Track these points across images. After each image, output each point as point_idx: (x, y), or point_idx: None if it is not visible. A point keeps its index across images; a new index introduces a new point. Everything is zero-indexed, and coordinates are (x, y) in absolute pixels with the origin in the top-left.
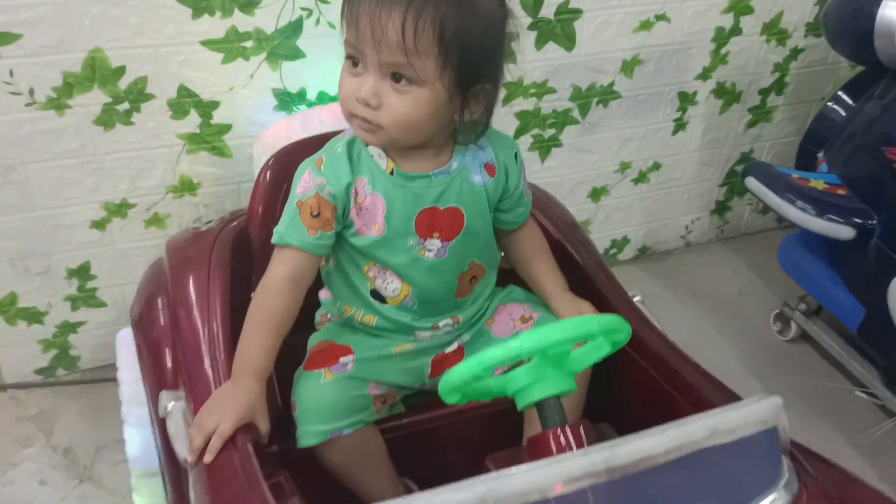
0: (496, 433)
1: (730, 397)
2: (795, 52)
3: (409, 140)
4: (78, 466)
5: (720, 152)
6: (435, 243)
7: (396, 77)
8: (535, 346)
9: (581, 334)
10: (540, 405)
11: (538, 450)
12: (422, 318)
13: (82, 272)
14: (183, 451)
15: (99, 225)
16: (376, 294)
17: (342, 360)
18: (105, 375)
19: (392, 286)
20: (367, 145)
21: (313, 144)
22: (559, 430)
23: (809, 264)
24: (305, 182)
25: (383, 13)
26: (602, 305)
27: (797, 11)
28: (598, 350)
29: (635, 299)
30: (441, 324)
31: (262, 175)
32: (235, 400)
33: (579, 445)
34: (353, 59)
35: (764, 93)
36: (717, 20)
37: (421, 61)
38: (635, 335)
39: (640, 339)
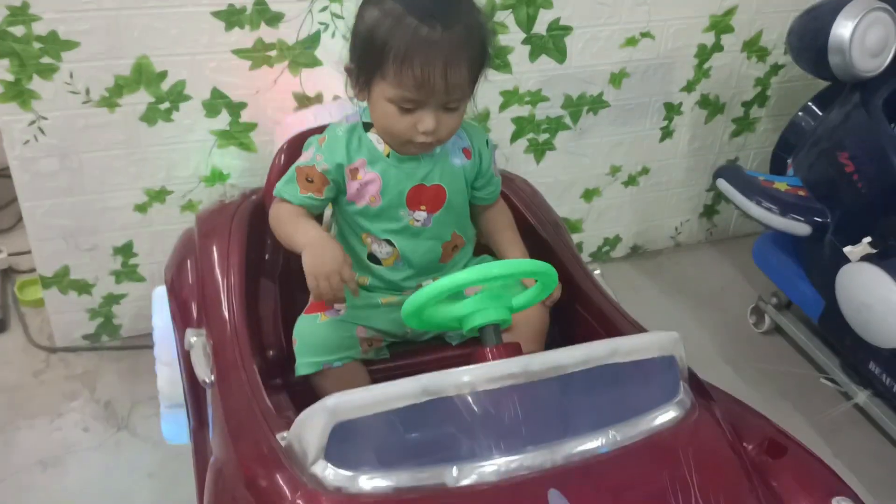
0: None
1: None
2: (776, 68)
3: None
4: (116, 418)
5: (706, 159)
6: (422, 214)
7: (450, 106)
8: (477, 279)
9: (515, 272)
10: (481, 329)
11: (475, 360)
12: (409, 279)
13: (125, 250)
14: (202, 374)
15: (141, 208)
16: (372, 257)
17: (336, 306)
18: (142, 343)
19: (385, 250)
20: (366, 132)
21: (318, 133)
22: (494, 348)
23: (779, 260)
24: (308, 154)
25: (445, 72)
26: (563, 276)
27: (776, 31)
28: (535, 293)
29: (595, 273)
30: (424, 283)
31: (278, 157)
32: (332, 250)
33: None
34: (405, 108)
35: (747, 105)
36: (699, 38)
37: (467, 88)
38: (584, 295)
39: (590, 299)
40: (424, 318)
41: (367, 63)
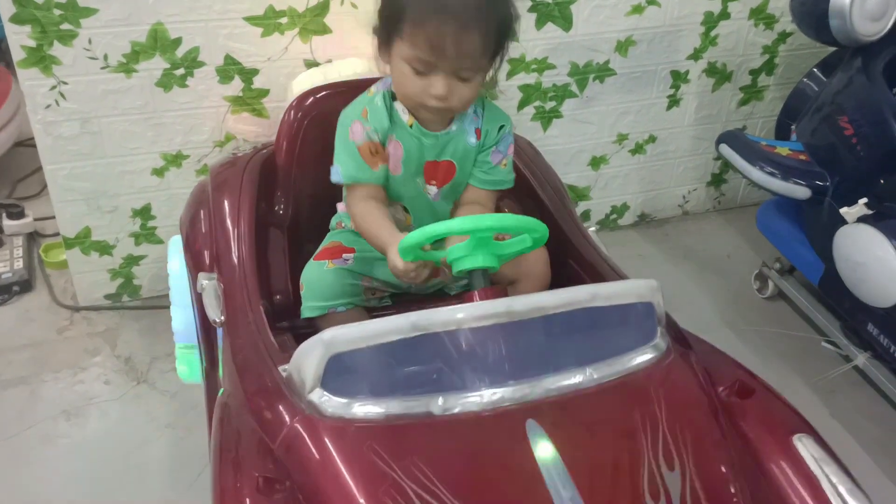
0: None
1: None
2: (784, 36)
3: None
4: (136, 372)
5: (714, 127)
6: (433, 189)
7: (463, 76)
8: (468, 228)
9: (508, 226)
10: (470, 273)
11: (464, 301)
12: None
13: (144, 212)
14: (213, 314)
15: (158, 172)
16: None
17: (344, 255)
18: (161, 303)
19: (398, 216)
20: (393, 101)
21: (330, 90)
22: (481, 291)
23: (781, 226)
24: (357, 131)
25: (458, 36)
26: (558, 233)
27: None
28: (522, 243)
29: (590, 230)
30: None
31: (287, 114)
32: None
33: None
34: (418, 69)
35: (754, 73)
36: (706, 5)
37: (483, 60)
38: (578, 253)
39: (581, 255)
40: (419, 255)
41: (388, 22)
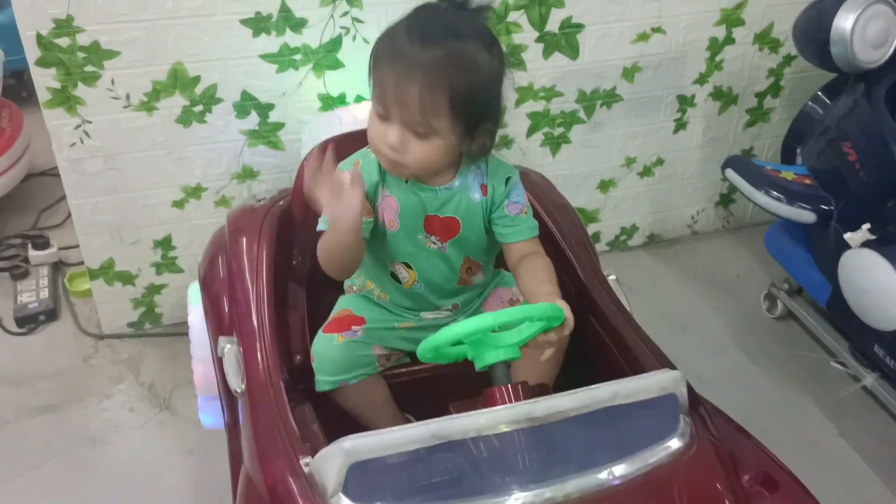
0: (481, 380)
1: (662, 364)
2: (789, 59)
3: (427, 174)
4: (158, 399)
5: (721, 149)
6: (437, 242)
7: (419, 131)
8: (473, 330)
9: (522, 318)
10: (491, 367)
11: (486, 401)
12: (428, 302)
13: (165, 243)
14: (234, 383)
15: (178, 204)
16: (393, 276)
17: (354, 328)
18: (182, 330)
19: (403, 274)
20: None
21: (349, 140)
22: (502, 389)
23: (789, 248)
24: None
25: (403, 85)
26: (578, 285)
27: (787, 22)
28: (535, 326)
29: (610, 278)
30: (442, 308)
31: (306, 161)
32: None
33: (516, 400)
34: (380, 114)
35: (760, 96)
36: (710, 31)
37: (437, 119)
38: (599, 310)
39: (603, 313)
40: (438, 356)
41: (370, 64)
